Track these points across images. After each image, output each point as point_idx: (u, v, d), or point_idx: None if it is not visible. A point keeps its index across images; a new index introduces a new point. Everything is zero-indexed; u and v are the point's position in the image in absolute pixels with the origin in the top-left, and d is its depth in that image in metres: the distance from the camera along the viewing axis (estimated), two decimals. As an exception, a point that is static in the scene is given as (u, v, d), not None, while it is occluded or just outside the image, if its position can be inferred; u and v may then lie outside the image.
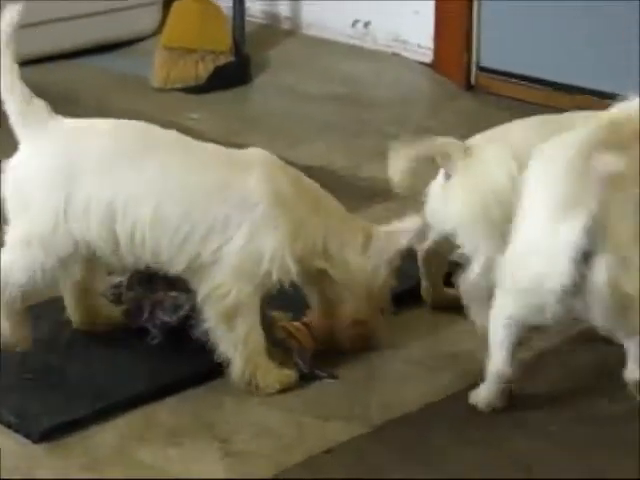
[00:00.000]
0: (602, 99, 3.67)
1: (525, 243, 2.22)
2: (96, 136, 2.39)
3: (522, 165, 2.37)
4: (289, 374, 2.38)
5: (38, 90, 3.87)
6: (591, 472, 2.12)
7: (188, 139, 2.43)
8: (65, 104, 3.70)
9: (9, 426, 2.24)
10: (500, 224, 2.39)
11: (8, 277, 2.33)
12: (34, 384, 2.36)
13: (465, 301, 2.48)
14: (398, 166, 2.52)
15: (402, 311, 2.62)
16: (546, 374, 2.44)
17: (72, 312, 2.53)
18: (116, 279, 2.58)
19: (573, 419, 2.30)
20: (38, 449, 2.19)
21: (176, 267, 2.34)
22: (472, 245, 2.46)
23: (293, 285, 2.40)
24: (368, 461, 2.17)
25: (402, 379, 2.43)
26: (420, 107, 3.87)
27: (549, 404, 2.35)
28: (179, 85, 3.93)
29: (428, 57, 4.07)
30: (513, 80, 3.88)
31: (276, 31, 4.44)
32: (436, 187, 2.59)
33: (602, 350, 2.44)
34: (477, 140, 2.62)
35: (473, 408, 2.31)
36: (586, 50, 3.77)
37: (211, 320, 2.32)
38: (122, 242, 2.31)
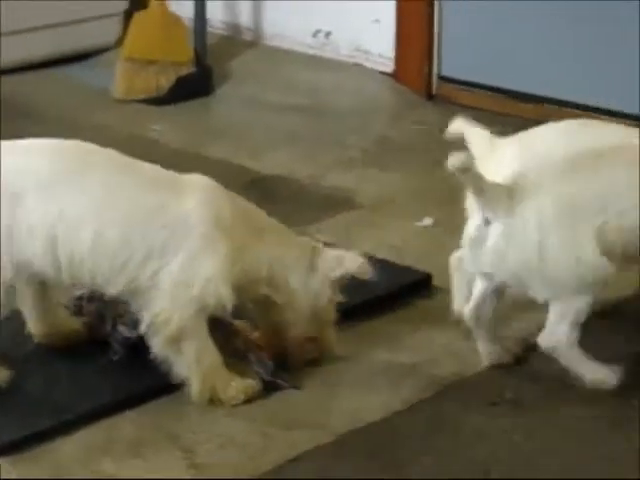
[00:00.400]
0: (561, 107, 3.72)
1: None
2: (35, 158, 2.34)
3: None
4: (252, 384, 2.37)
5: (7, 101, 3.89)
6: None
7: (128, 160, 2.39)
8: (26, 116, 3.73)
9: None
10: None
11: None
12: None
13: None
14: None
15: (363, 322, 2.62)
16: (510, 383, 2.45)
17: (32, 326, 2.49)
18: (77, 291, 2.55)
19: (537, 426, 2.31)
20: (3, 462, 2.17)
21: (113, 289, 2.31)
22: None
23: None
24: (333, 470, 2.16)
25: (364, 388, 2.42)
26: (381, 117, 3.88)
27: (514, 412, 2.35)
28: (141, 96, 3.91)
29: (389, 67, 4.07)
30: (474, 89, 3.90)
31: (237, 42, 4.44)
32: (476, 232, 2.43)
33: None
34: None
35: (435, 417, 2.32)
36: (545, 59, 3.79)
37: (158, 346, 2.30)
38: (63, 265, 2.27)
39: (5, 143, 2.37)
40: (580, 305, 2.33)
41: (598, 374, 2.37)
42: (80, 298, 2.53)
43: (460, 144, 2.54)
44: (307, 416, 2.33)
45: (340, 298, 2.42)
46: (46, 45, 4.23)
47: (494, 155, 2.52)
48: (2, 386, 2.36)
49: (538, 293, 2.35)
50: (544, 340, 2.36)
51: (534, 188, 2.33)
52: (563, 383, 2.41)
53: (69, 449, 2.22)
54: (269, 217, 2.42)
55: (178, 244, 2.28)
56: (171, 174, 2.40)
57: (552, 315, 2.35)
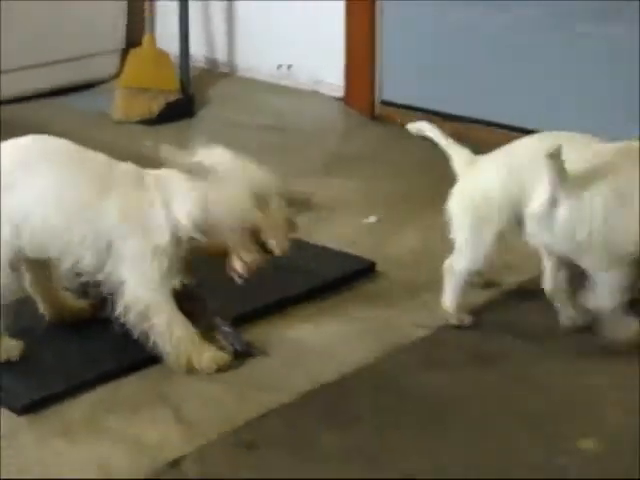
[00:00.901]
0: (488, 126, 3.72)
1: None
2: (5, 153, 2.30)
3: None
4: (223, 355, 2.36)
5: (16, 125, 3.87)
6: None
7: (77, 153, 2.35)
8: (37, 134, 3.71)
9: (-1, 402, 2.25)
10: None
11: None
12: (16, 367, 2.34)
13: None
14: None
15: (320, 301, 2.64)
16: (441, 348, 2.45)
17: (42, 307, 2.49)
18: (84, 278, 2.54)
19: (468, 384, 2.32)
20: (21, 420, 2.18)
21: (67, 265, 2.28)
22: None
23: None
24: (296, 425, 2.18)
25: (321, 355, 2.43)
26: (334, 134, 3.89)
27: (447, 373, 2.36)
28: (135, 118, 3.91)
29: (340, 93, 4.08)
30: (410, 112, 3.88)
31: (215, 73, 4.43)
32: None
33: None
34: None
35: (380, 378, 2.33)
36: (475, 85, 3.79)
37: (132, 324, 2.29)
38: (26, 245, 2.26)
39: None
40: (625, 274, 2.38)
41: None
42: (86, 283, 2.51)
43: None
44: (274, 380, 2.34)
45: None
46: (57, 77, 4.21)
47: (473, 170, 2.51)
48: (16, 357, 2.35)
49: (595, 263, 2.38)
50: (598, 303, 2.40)
51: (594, 178, 2.36)
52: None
53: (78, 409, 2.23)
54: None
55: (113, 228, 2.26)
56: (108, 166, 2.34)
57: (604, 282, 2.38)
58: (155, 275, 2.27)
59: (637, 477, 1.99)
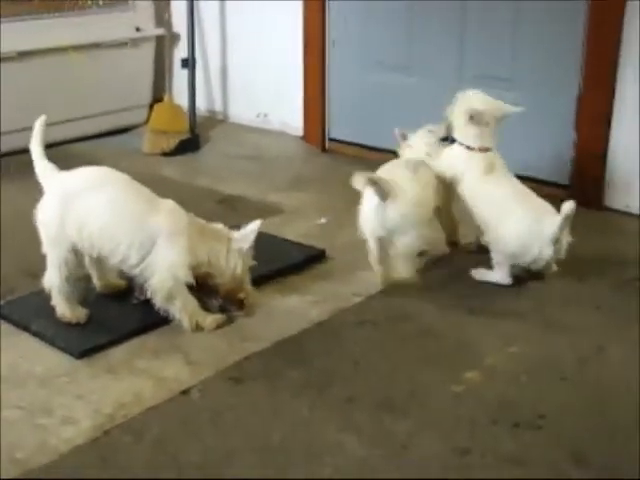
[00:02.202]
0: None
1: None
2: (77, 178, 2.27)
3: None
4: (221, 317, 2.34)
5: (77, 158, 3.83)
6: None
7: (132, 183, 2.28)
8: (89, 164, 3.64)
9: (61, 348, 2.21)
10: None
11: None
12: (72, 327, 2.30)
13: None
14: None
15: (283, 280, 2.60)
16: (369, 311, 2.43)
17: (95, 282, 2.45)
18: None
19: (382, 339, 2.29)
20: (78, 362, 2.16)
21: (115, 262, 2.25)
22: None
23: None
24: (271, 364, 2.16)
25: (287, 316, 2.40)
26: (297, 162, 3.85)
27: (373, 328, 2.33)
28: (158, 152, 3.86)
29: (300, 132, 4.05)
30: (349, 146, 3.87)
31: (214, 120, 4.39)
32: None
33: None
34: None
35: (330, 331, 2.31)
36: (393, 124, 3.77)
37: (158, 302, 2.25)
38: (86, 245, 2.22)
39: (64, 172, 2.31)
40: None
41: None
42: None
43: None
44: (254, 333, 2.31)
45: (253, 263, 2.35)
46: (103, 123, 4.16)
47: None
48: (84, 320, 2.31)
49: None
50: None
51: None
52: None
53: (118, 355, 2.20)
54: (207, 223, 2.34)
55: (153, 241, 2.20)
56: (153, 197, 2.29)
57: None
58: (178, 269, 2.23)
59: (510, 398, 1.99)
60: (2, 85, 3.68)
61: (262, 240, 2.75)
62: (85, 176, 2.28)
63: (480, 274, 2.57)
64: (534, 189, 2.60)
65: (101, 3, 4.06)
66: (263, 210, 3.07)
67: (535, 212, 2.48)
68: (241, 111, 4.31)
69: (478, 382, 2.07)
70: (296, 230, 2.94)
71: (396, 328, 2.33)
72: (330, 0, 3.81)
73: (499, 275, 2.53)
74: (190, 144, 3.91)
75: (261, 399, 2.00)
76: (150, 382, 2.05)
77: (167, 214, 2.24)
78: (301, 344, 2.25)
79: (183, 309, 2.27)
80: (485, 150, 2.56)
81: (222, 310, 2.36)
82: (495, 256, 2.52)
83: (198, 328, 2.29)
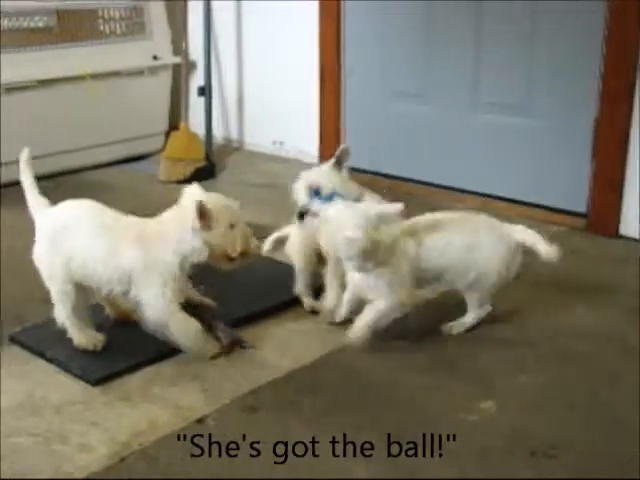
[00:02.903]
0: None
1: None
2: (62, 213, 2.28)
3: None
4: (217, 345, 2.33)
5: (96, 184, 3.88)
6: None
7: (110, 214, 2.27)
8: (107, 191, 3.72)
9: (77, 375, 2.23)
10: None
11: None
12: (88, 354, 2.32)
13: None
14: None
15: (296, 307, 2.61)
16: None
17: (107, 310, 2.46)
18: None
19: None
20: (94, 389, 2.17)
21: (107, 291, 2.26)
22: None
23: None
24: (285, 393, 2.16)
25: (302, 344, 2.41)
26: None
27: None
28: (174, 179, 3.88)
29: (316, 160, 4.07)
30: (364, 174, 3.89)
31: (229, 148, 4.44)
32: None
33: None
34: None
35: (344, 359, 2.31)
36: (410, 155, 3.78)
37: (151, 328, 2.25)
38: (76, 276, 2.23)
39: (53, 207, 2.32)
40: None
41: None
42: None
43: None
44: (268, 362, 2.32)
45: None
46: (121, 151, 4.21)
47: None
48: (99, 348, 2.33)
49: None
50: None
51: None
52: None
53: (133, 382, 2.22)
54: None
55: (129, 276, 2.21)
56: (130, 223, 2.26)
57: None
58: (167, 295, 2.21)
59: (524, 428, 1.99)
60: (23, 112, 3.74)
61: (276, 268, 2.78)
62: (69, 211, 2.28)
63: (457, 327, 2.44)
64: (549, 217, 2.62)
65: (119, 32, 4.12)
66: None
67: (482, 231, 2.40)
68: (257, 139, 4.35)
69: (492, 412, 2.07)
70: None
71: (409, 356, 2.33)
72: (345, 29, 3.85)
73: (475, 313, 2.44)
74: (206, 172, 3.95)
75: (275, 428, 2.00)
76: (165, 410, 2.07)
77: (139, 246, 2.20)
78: (315, 373, 2.25)
79: (182, 333, 2.25)
80: None
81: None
82: (474, 295, 2.42)
83: (199, 355, 2.29)
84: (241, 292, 2.65)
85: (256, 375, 2.23)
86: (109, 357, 2.30)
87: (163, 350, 2.32)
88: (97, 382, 2.19)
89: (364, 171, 3.89)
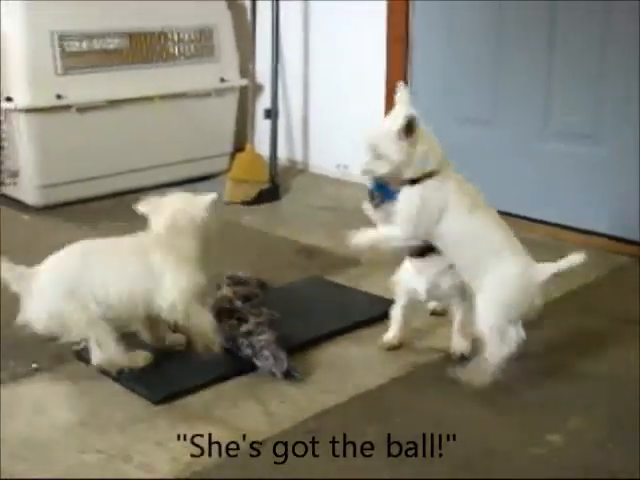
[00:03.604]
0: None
1: None
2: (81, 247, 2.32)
3: None
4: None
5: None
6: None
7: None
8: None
9: (140, 394, 2.24)
10: None
11: None
12: (153, 372, 2.34)
13: None
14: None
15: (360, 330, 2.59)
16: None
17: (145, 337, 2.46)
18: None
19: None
20: (156, 408, 2.19)
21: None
22: None
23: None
24: (348, 418, 2.15)
25: (365, 369, 2.39)
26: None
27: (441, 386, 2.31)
28: (239, 201, 3.92)
29: (380, 184, 4.07)
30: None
31: (294, 170, 4.46)
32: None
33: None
34: None
35: (411, 385, 2.29)
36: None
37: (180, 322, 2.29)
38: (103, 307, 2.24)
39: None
40: None
41: None
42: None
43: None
44: (332, 386, 2.30)
45: None
46: (187, 171, 4.26)
47: None
48: (147, 361, 2.34)
49: None
50: None
51: None
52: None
53: (195, 403, 2.22)
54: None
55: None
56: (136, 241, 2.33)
57: None
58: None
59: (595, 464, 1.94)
60: (92, 132, 3.82)
61: (340, 292, 2.77)
62: (84, 248, 2.31)
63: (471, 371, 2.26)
64: (621, 249, 2.56)
65: (188, 54, 4.18)
66: (341, 261, 3.09)
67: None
68: (321, 161, 4.37)
69: (560, 445, 2.02)
70: (374, 282, 2.93)
71: (474, 386, 2.29)
72: (413, 54, 3.85)
73: (497, 346, 2.22)
74: (270, 193, 3.97)
75: (339, 455, 1.98)
76: (227, 432, 2.06)
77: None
78: (379, 399, 2.24)
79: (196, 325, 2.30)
80: None
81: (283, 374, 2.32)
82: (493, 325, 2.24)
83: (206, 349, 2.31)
84: (303, 315, 2.65)
85: (319, 399, 2.22)
86: (172, 377, 2.31)
87: (226, 371, 2.33)
88: (160, 401, 2.20)
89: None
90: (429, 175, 2.24)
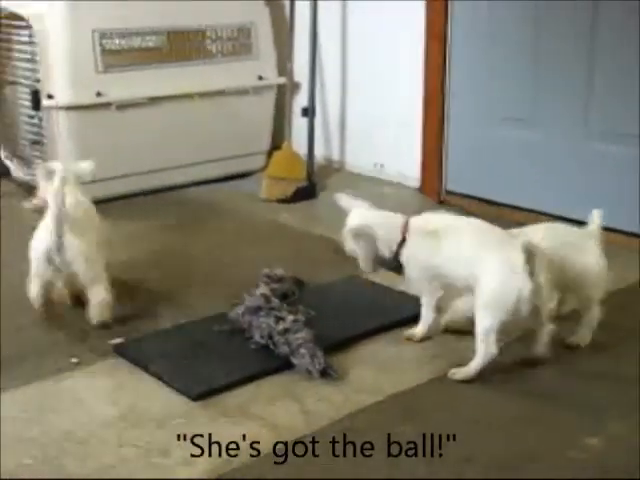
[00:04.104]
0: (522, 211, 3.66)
1: None
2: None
3: None
4: None
5: (198, 201, 3.96)
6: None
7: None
8: (208, 208, 3.80)
9: (178, 389, 2.26)
10: None
11: None
12: (192, 368, 2.36)
13: None
14: None
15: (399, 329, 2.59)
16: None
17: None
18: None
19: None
20: (195, 404, 2.20)
21: None
22: None
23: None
24: (384, 417, 2.15)
25: (403, 368, 2.40)
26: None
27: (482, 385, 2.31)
28: (275, 198, 3.93)
29: (417, 184, 4.07)
30: (466, 198, 3.87)
31: (331, 168, 4.46)
32: None
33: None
34: None
35: (446, 385, 2.29)
36: (514, 180, 3.73)
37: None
38: None
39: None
40: None
41: None
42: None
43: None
44: (369, 385, 2.31)
45: None
46: (224, 168, 4.28)
47: None
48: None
49: None
50: None
51: None
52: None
53: (233, 399, 2.23)
54: None
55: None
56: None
57: None
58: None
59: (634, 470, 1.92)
60: (132, 129, 3.86)
61: (376, 291, 2.77)
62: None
63: (462, 372, 2.29)
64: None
65: (226, 52, 4.20)
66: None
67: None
68: (358, 160, 4.37)
69: (600, 450, 2.01)
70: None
71: (511, 387, 2.29)
72: (452, 52, 3.84)
73: (483, 354, 2.25)
74: (307, 191, 3.98)
75: (375, 453, 1.99)
76: (265, 429, 2.08)
77: None
78: (416, 398, 2.24)
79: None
80: None
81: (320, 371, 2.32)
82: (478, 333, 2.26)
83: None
84: (340, 314, 2.65)
85: (356, 398, 2.22)
86: (210, 373, 2.33)
87: (263, 368, 2.35)
88: (198, 397, 2.22)
89: (465, 196, 3.86)
90: None
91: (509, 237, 2.29)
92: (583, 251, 2.42)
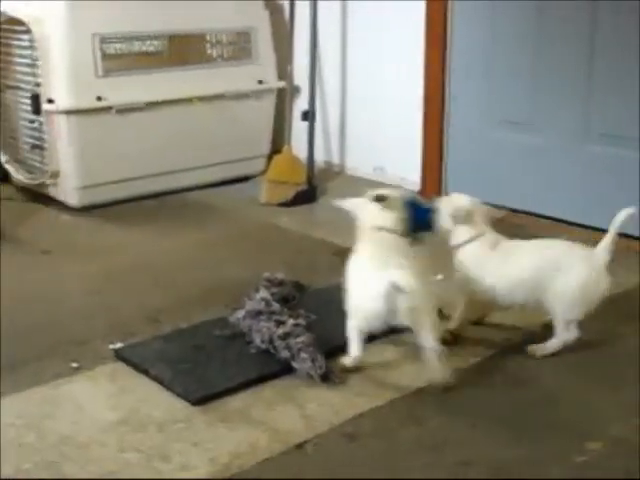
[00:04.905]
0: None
1: None
2: None
3: None
4: None
5: (197, 205, 3.95)
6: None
7: None
8: (208, 212, 3.79)
9: (178, 394, 2.25)
10: None
11: None
12: (192, 372, 2.35)
13: None
14: None
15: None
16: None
17: None
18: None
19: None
20: (194, 409, 2.19)
21: None
22: None
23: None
24: (385, 421, 2.15)
25: (403, 372, 2.38)
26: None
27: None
28: (275, 202, 3.93)
29: (417, 187, 4.06)
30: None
31: (331, 172, 4.46)
32: None
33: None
34: None
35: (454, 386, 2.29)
36: (514, 184, 3.73)
37: None
38: None
39: None
40: None
41: None
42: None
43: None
44: (369, 389, 2.31)
45: None
46: (223, 172, 4.28)
47: None
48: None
49: None
50: None
51: None
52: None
53: (233, 404, 2.23)
54: None
55: None
56: None
57: None
58: None
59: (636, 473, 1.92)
60: (132, 133, 3.85)
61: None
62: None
63: (540, 349, 2.44)
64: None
65: (226, 56, 4.20)
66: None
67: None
68: (358, 164, 4.36)
69: (602, 453, 2.00)
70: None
71: (513, 392, 2.28)
72: (451, 55, 3.84)
73: (560, 337, 2.43)
74: (307, 195, 3.98)
75: (375, 457, 1.99)
76: (265, 433, 2.07)
77: None
78: (416, 403, 2.23)
79: None
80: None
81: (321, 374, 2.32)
82: (559, 318, 2.43)
83: None
84: (341, 318, 2.63)
85: (356, 402, 2.22)
86: (210, 377, 2.32)
87: (263, 373, 2.34)
88: (198, 402, 2.21)
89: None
90: None
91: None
92: (565, 271, 2.39)
